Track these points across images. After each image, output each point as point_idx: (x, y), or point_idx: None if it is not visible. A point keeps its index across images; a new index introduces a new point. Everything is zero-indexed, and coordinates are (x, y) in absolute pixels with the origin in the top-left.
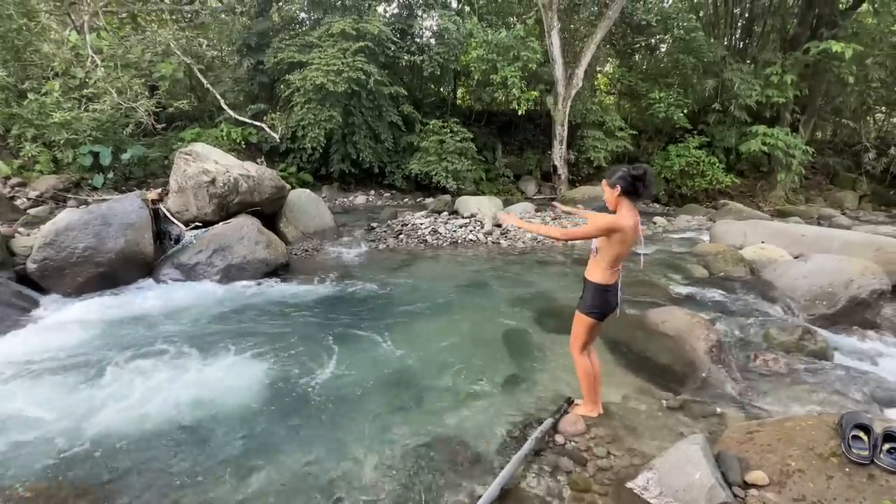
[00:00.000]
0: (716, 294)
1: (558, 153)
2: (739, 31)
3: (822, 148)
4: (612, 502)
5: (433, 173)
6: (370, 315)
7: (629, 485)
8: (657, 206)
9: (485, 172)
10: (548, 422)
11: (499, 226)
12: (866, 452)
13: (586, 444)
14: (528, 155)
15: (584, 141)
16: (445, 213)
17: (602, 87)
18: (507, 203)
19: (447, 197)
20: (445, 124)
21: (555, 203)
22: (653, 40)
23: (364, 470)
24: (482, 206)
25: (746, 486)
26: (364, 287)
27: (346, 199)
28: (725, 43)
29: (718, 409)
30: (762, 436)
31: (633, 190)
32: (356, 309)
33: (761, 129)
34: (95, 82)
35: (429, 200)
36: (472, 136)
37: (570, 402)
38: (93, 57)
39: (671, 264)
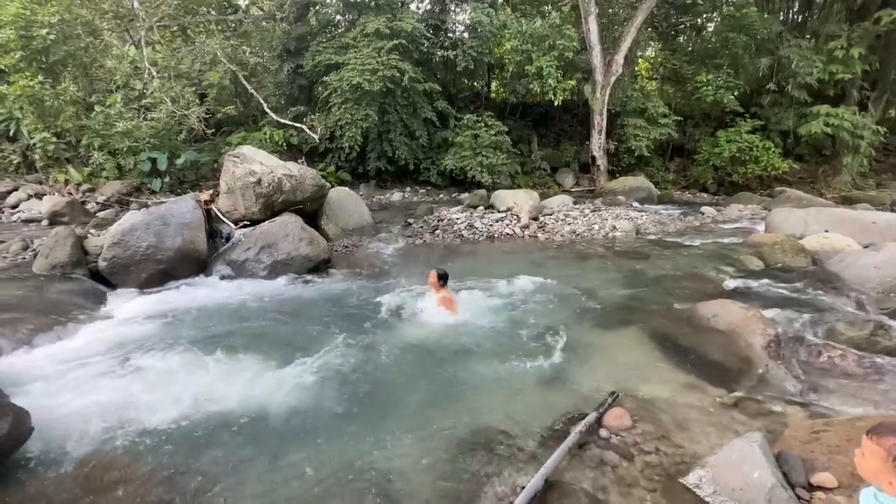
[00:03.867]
0: (773, 286)
1: (597, 143)
2: (798, 3)
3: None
4: (661, 498)
5: (468, 168)
6: (409, 309)
7: (681, 481)
8: (705, 195)
9: (520, 166)
10: (592, 415)
11: (536, 219)
12: None
13: (633, 438)
14: (566, 146)
15: (624, 130)
16: (481, 207)
17: (643, 72)
18: (543, 196)
19: (482, 191)
20: (480, 118)
21: None
22: (699, 20)
23: (407, 461)
24: (518, 200)
25: (812, 488)
26: (402, 281)
27: (382, 197)
28: (781, 17)
29: (778, 408)
30: (829, 436)
31: None
32: (396, 302)
33: (824, 108)
34: (152, 93)
35: (464, 196)
36: (506, 129)
37: (614, 395)
38: (149, 69)
39: (722, 256)
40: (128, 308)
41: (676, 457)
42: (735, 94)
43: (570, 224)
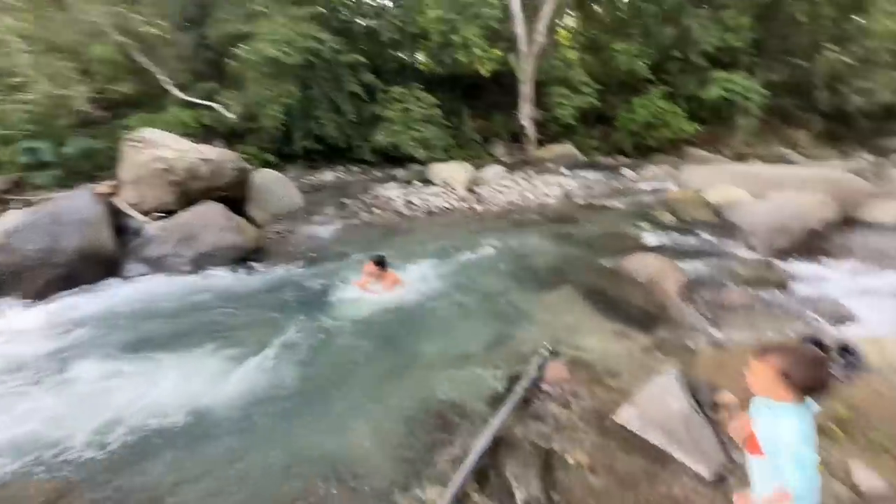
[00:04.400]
0: (684, 238)
1: (525, 113)
2: None
3: (776, 90)
4: (597, 438)
5: (401, 144)
6: (352, 292)
7: (613, 419)
8: (625, 159)
9: (453, 138)
10: (532, 372)
11: (472, 190)
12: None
13: (571, 388)
14: (496, 117)
15: (549, 99)
16: (418, 183)
17: (564, 41)
18: (478, 168)
19: (417, 166)
20: (409, 91)
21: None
22: None
23: (360, 441)
24: (453, 173)
25: (718, 407)
26: (341, 264)
27: (313, 178)
28: None
29: (691, 344)
30: (730, 362)
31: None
32: (335, 285)
33: (720, 75)
34: (21, 70)
35: (399, 172)
36: (437, 102)
37: (552, 351)
38: (13, 41)
39: (641, 214)
40: (21, 321)
41: (609, 399)
42: (646, 62)
43: (504, 193)
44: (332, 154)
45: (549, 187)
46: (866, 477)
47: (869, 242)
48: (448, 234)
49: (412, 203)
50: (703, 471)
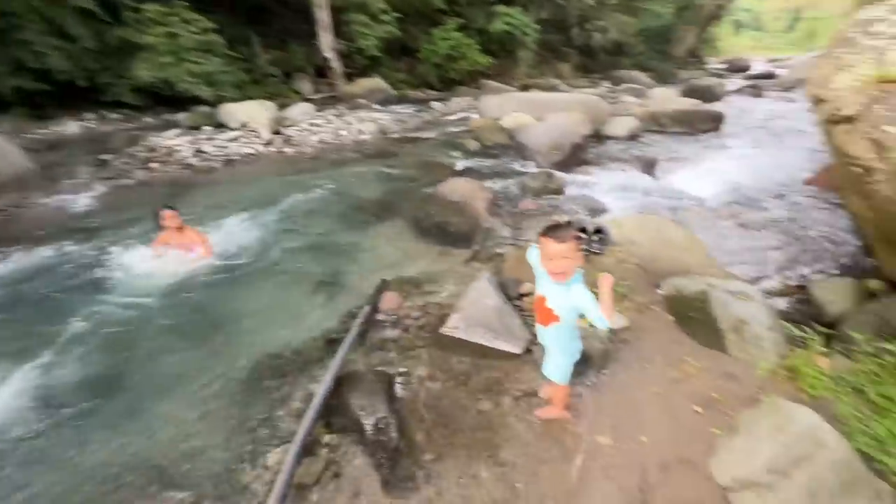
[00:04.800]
0: (487, 161)
1: (326, 43)
2: None
3: (545, 26)
4: (434, 350)
5: (174, 79)
6: (143, 261)
7: (443, 330)
8: (433, 92)
9: (246, 73)
10: (366, 307)
11: (278, 132)
12: (585, 245)
13: (405, 312)
14: (294, 48)
15: (349, 27)
16: (208, 127)
17: None
18: (283, 107)
19: (205, 108)
20: (171, 11)
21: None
22: None
23: (190, 423)
24: (253, 114)
25: (521, 296)
26: (117, 235)
27: (46, 130)
28: None
29: (499, 250)
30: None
31: None
32: (118, 261)
33: (502, 9)
34: None
35: (180, 115)
36: (215, 26)
37: (384, 282)
38: None
39: (451, 143)
40: None
41: (440, 313)
42: None
43: (317, 133)
44: (69, 96)
45: (363, 124)
46: (617, 318)
47: (611, 151)
48: (257, 184)
49: (204, 152)
50: (515, 349)
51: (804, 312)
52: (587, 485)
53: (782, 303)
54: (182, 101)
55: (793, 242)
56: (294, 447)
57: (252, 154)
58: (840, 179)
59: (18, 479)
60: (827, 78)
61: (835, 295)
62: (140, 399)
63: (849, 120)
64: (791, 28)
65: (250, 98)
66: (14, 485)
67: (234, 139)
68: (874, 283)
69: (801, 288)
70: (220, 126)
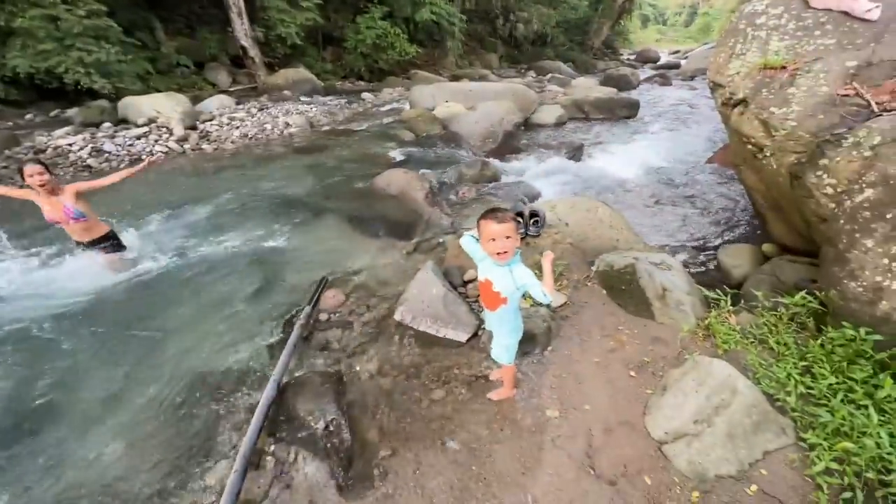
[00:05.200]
0: (422, 151)
1: (241, 30)
2: None
3: (471, 16)
4: (381, 344)
5: (60, 69)
6: (44, 279)
7: (389, 323)
8: (362, 83)
9: (150, 63)
10: (306, 308)
11: (194, 128)
12: (522, 229)
13: (349, 309)
14: (205, 35)
15: (267, 13)
16: (107, 124)
17: None
18: (196, 100)
19: (102, 102)
20: None
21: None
22: None
23: (123, 451)
24: (162, 108)
25: (465, 283)
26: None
27: None
28: None
29: (441, 239)
30: None
31: None
32: (16, 278)
33: None
34: None
35: (72, 111)
36: (105, 9)
37: (323, 280)
38: None
39: (384, 134)
40: None
41: (385, 307)
42: None
43: (238, 128)
44: None
45: (289, 116)
46: (556, 296)
47: (540, 138)
48: (173, 184)
49: (105, 152)
50: (462, 336)
51: (714, 277)
52: (539, 457)
53: (695, 270)
54: (73, 95)
55: (701, 215)
56: (238, 462)
57: (164, 152)
58: (736, 156)
59: None
60: (722, 65)
61: (737, 259)
62: (60, 431)
63: (742, 103)
64: (689, 22)
65: (157, 90)
66: None
67: (142, 136)
68: (767, 247)
69: (710, 255)
70: (123, 122)
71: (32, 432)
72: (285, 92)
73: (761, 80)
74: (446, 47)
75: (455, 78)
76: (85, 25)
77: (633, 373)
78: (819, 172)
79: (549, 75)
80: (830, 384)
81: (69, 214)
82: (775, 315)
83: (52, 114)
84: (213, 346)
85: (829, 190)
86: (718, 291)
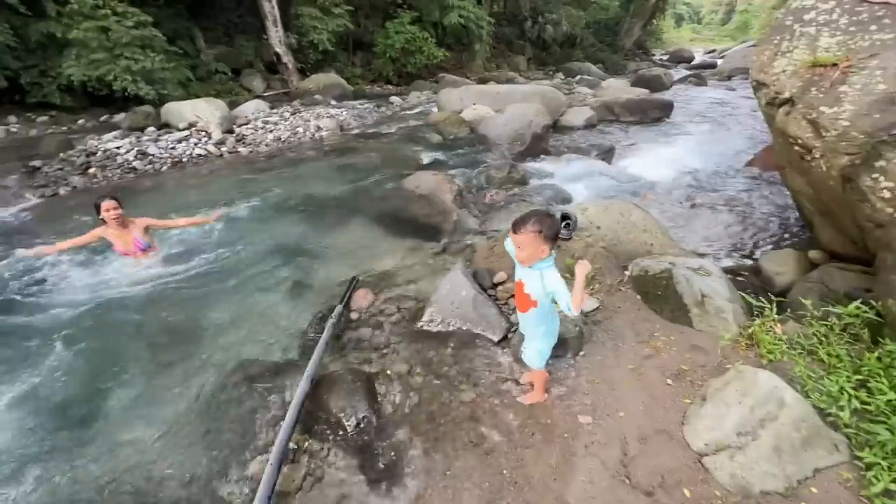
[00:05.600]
0: (451, 153)
1: (276, 37)
2: None
3: (499, 19)
4: (409, 345)
5: (110, 77)
6: (96, 277)
7: (418, 324)
8: (390, 87)
9: (191, 70)
10: (338, 307)
11: (231, 132)
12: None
13: (378, 309)
14: (242, 42)
15: (300, 20)
16: (151, 128)
17: None
18: (233, 105)
19: (146, 108)
20: (101, 4)
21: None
22: None
23: (162, 445)
24: (201, 113)
25: (495, 285)
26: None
27: None
28: None
29: (469, 241)
30: (498, 248)
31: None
32: (71, 277)
33: (455, 2)
34: None
35: (119, 116)
36: (151, 19)
37: (354, 280)
38: None
39: (413, 137)
40: None
41: (414, 307)
42: None
43: (272, 131)
44: None
45: (320, 120)
46: (588, 300)
47: (569, 140)
48: (211, 185)
49: (150, 154)
50: (493, 336)
51: (756, 284)
52: (572, 464)
53: (735, 276)
54: (118, 101)
55: (740, 220)
56: (273, 456)
57: (203, 155)
58: (781, 159)
59: None
60: (767, 63)
61: (781, 266)
62: (105, 423)
63: (788, 102)
64: (727, 20)
65: (197, 96)
66: None
67: (183, 140)
68: (814, 254)
69: (752, 261)
70: (166, 126)
71: (81, 420)
72: (316, 96)
73: (810, 79)
74: (474, 51)
75: (482, 81)
76: (133, 36)
77: (669, 381)
78: (875, 175)
79: (578, 77)
80: (889, 400)
81: (139, 246)
82: (826, 325)
83: (102, 119)
84: (248, 343)
85: (886, 193)
86: (762, 299)
